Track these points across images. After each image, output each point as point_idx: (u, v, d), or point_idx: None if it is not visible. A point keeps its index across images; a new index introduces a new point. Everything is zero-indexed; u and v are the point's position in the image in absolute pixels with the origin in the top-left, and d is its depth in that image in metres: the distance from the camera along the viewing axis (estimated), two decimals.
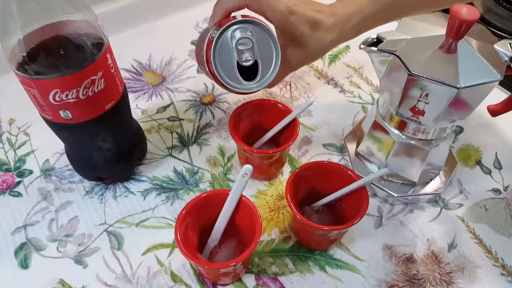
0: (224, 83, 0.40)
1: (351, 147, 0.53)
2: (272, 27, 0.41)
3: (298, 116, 0.47)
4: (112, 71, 0.41)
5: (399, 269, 0.43)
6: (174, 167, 0.52)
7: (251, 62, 0.40)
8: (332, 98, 0.62)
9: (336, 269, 0.43)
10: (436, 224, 0.47)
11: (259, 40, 0.40)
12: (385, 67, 0.40)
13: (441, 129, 0.43)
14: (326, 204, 0.44)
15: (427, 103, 0.38)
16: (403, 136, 0.45)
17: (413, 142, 0.45)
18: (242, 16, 0.40)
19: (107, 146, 0.46)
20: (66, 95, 0.38)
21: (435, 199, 0.49)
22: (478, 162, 0.53)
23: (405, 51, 0.38)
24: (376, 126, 0.47)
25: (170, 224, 0.47)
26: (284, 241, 0.45)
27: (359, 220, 0.38)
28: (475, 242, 0.45)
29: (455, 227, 0.46)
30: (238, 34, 0.39)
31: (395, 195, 0.48)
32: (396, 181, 0.49)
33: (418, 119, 0.40)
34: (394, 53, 0.38)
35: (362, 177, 0.40)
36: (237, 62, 0.39)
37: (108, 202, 0.49)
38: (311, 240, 0.43)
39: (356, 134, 0.54)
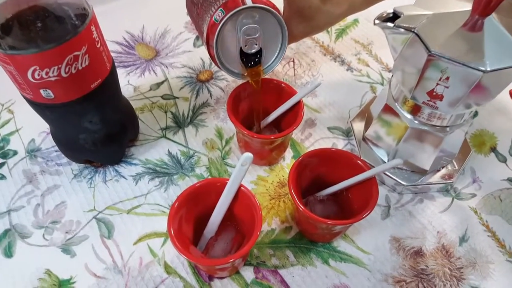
0: (223, 69, 0.37)
1: (358, 131, 0.50)
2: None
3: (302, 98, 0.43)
4: (98, 45, 0.37)
5: (406, 263, 0.41)
6: (168, 149, 0.49)
7: (255, 50, 0.38)
8: (339, 77, 0.58)
9: (339, 262, 0.41)
10: (447, 215, 0.44)
11: (266, 27, 0.37)
12: (402, 46, 0.36)
13: (458, 115, 0.40)
14: (331, 194, 0.41)
15: (447, 87, 0.35)
16: (416, 122, 0.42)
17: (427, 128, 0.42)
18: (253, 1, 0.36)
19: (94, 127, 0.42)
20: (47, 73, 0.34)
21: (447, 188, 0.46)
22: (493, 149, 0.50)
23: (425, 28, 0.34)
24: (387, 109, 0.44)
25: (163, 211, 0.44)
26: (285, 232, 0.43)
27: (367, 214, 0.35)
28: (488, 235, 0.43)
29: (467, 219, 0.44)
30: (245, 21, 0.36)
31: (404, 183, 0.45)
32: (405, 168, 0.46)
33: (435, 104, 0.37)
34: (412, 30, 0.34)
35: (371, 167, 0.38)
36: (241, 48, 0.37)
37: (97, 187, 0.46)
38: (314, 232, 0.40)
39: (364, 117, 0.50)
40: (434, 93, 0.36)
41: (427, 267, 0.41)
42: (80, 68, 0.36)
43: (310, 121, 0.52)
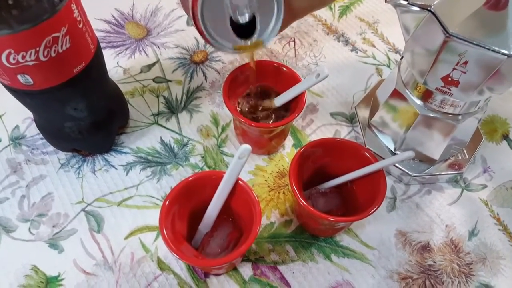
0: (214, 44, 0.33)
1: (363, 117, 0.47)
2: None
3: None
4: (80, 26, 0.34)
5: (413, 259, 0.39)
6: (160, 137, 0.47)
7: (247, 18, 0.32)
8: (342, 58, 0.55)
9: (342, 258, 0.39)
10: (456, 207, 0.42)
11: None
12: (415, 26, 0.33)
13: (472, 102, 0.38)
14: (335, 186, 0.39)
15: (464, 73, 0.32)
16: (427, 108, 0.39)
17: (438, 115, 0.39)
18: None
19: (80, 115, 0.40)
20: (23, 57, 0.31)
21: (456, 179, 0.44)
22: (505, 137, 0.48)
23: (443, 6, 0.31)
24: (396, 94, 0.41)
25: (156, 203, 0.42)
26: (285, 225, 0.41)
27: (374, 211, 0.33)
28: (499, 229, 0.41)
29: (477, 212, 0.42)
30: None
31: (412, 174, 0.43)
32: (413, 158, 0.44)
33: (450, 90, 0.35)
34: (428, 8, 0.31)
35: (379, 158, 0.35)
36: (231, 18, 0.33)
37: (86, 177, 0.44)
38: (316, 227, 0.38)
39: (370, 102, 0.48)
40: (450, 79, 0.33)
41: (435, 262, 0.39)
42: (60, 51, 0.33)
43: (311, 106, 0.50)
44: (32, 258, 0.39)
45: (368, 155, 0.36)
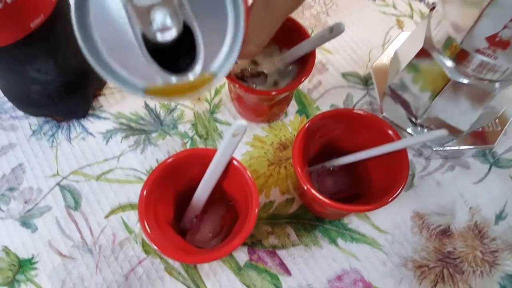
0: (112, 79, 0.18)
1: (381, 78, 0.41)
2: None
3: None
4: None
5: (430, 245, 0.35)
6: (145, 101, 0.41)
7: (174, 34, 0.18)
8: (357, 7, 0.48)
9: (350, 243, 0.35)
10: (483, 187, 0.38)
11: None
12: None
13: None
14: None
15: None
16: (461, 73, 0.33)
17: (472, 81, 0.33)
18: None
19: (46, 77, 0.34)
20: None
21: (484, 153, 0.39)
22: None
23: None
24: (422, 54, 0.35)
25: (140, 178, 0.38)
26: (286, 205, 0.36)
27: (394, 198, 0.28)
28: None
29: (507, 192, 0.38)
30: None
31: (434, 147, 0.38)
32: (434, 128, 0.39)
33: (495, 53, 0.28)
34: None
35: (397, 129, 0.30)
36: (143, 36, 0.18)
37: (61, 146, 0.39)
38: (321, 211, 0.34)
39: (389, 61, 0.41)
40: (498, 39, 0.27)
41: (455, 249, 0.35)
42: (9, 1, 0.26)
43: (320, 65, 0.43)
44: (3, 237, 0.35)
45: (390, 132, 0.30)
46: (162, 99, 0.19)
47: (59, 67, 0.34)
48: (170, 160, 0.28)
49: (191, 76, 0.19)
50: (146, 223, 0.26)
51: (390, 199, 0.28)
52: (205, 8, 0.18)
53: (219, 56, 0.19)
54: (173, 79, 0.19)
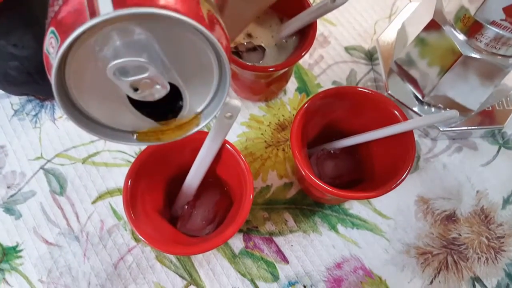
0: (101, 138, 0.19)
1: (387, 53, 0.39)
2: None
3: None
4: None
5: (435, 231, 0.34)
6: None
7: (160, 95, 0.17)
8: None
9: (351, 229, 0.34)
10: (491, 169, 0.36)
11: (175, 50, 0.16)
12: None
13: None
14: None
15: None
16: (473, 47, 0.31)
17: (485, 56, 0.31)
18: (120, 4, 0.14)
19: (24, 52, 0.32)
20: None
21: (493, 133, 0.37)
22: None
23: None
24: (433, 27, 0.32)
25: (129, 161, 0.36)
26: (284, 189, 0.35)
27: (398, 184, 0.26)
28: None
29: None
30: (118, 48, 0.15)
31: (441, 127, 0.36)
32: (442, 107, 0.37)
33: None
34: None
35: (402, 107, 0.28)
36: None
37: (44, 127, 0.37)
38: (321, 197, 0.32)
39: (395, 35, 0.39)
40: None
41: (460, 235, 0.34)
42: None
43: (322, 38, 0.41)
44: None
45: (397, 112, 0.28)
46: (154, 142, 0.20)
47: (37, 41, 0.32)
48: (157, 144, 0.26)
49: (178, 120, 0.20)
50: (132, 215, 0.25)
51: (394, 185, 0.27)
52: (190, 67, 0.17)
53: (206, 99, 0.19)
54: (161, 124, 0.19)
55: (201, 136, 0.27)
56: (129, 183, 0.25)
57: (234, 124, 0.27)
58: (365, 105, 0.29)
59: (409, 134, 0.28)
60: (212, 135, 0.26)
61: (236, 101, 0.24)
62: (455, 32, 0.31)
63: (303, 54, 0.30)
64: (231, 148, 0.27)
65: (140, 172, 0.26)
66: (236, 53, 0.32)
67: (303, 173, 0.27)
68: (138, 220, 0.25)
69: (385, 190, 0.26)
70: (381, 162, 0.30)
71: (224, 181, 0.31)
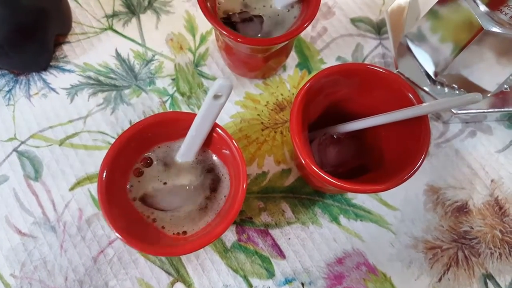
0: None
1: (397, 26, 0.35)
2: None
3: None
4: None
5: (445, 224, 0.31)
6: (116, 49, 0.35)
7: None
8: None
9: (354, 221, 0.31)
10: (507, 156, 0.33)
11: None
12: None
13: None
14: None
15: None
16: (495, 20, 0.27)
17: (508, 31, 0.27)
18: None
19: None
20: None
21: (510, 116, 0.34)
22: None
23: None
24: None
25: (110, 143, 0.32)
26: (281, 177, 0.32)
27: (410, 176, 0.23)
28: None
29: None
30: None
31: (455, 110, 0.32)
32: (457, 87, 0.33)
33: None
34: None
35: (413, 86, 0.25)
36: None
37: (19, 104, 0.34)
38: (322, 186, 0.29)
39: (407, 5, 0.35)
40: None
41: (472, 228, 0.31)
42: None
43: (325, 9, 0.37)
44: None
45: (410, 95, 0.25)
46: None
47: (7, 7, 0.28)
48: (137, 127, 0.23)
49: None
50: (110, 214, 0.21)
51: (407, 177, 0.24)
52: None
53: None
54: None
55: (189, 118, 0.24)
56: (104, 175, 0.22)
57: (227, 103, 0.24)
58: (375, 84, 0.26)
59: (423, 119, 0.25)
60: (200, 117, 0.23)
61: (225, 80, 0.21)
62: (475, 3, 0.28)
63: (305, 25, 0.27)
64: (222, 133, 0.24)
65: (117, 160, 0.23)
66: (230, 23, 0.29)
67: (303, 161, 0.24)
68: (117, 218, 0.22)
69: (396, 182, 0.23)
70: (390, 148, 0.27)
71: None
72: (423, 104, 0.25)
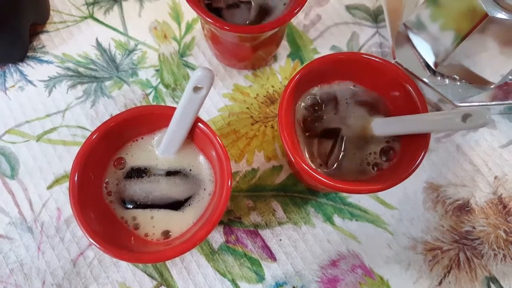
0: None
1: (395, 13, 0.33)
2: None
3: None
4: None
5: (446, 223, 0.29)
6: (96, 38, 0.33)
7: None
8: None
9: (349, 221, 0.29)
10: (511, 151, 0.31)
11: None
12: None
13: None
14: None
15: None
16: (501, 6, 0.26)
17: None
18: None
19: None
20: None
21: None
22: None
23: None
24: None
25: None
26: (272, 173, 0.30)
27: (410, 174, 0.22)
28: None
29: None
30: None
31: (456, 103, 0.30)
32: (458, 78, 0.31)
33: None
34: None
35: (412, 77, 0.23)
36: None
37: None
38: (315, 185, 0.27)
39: None
40: None
41: (474, 228, 0.29)
42: None
43: None
44: None
45: (410, 88, 0.23)
46: None
47: None
48: (109, 124, 0.21)
49: None
50: (83, 219, 0.20)
51: (406, 175, 0.22)
52: None
53: None
54: None
55: (168, 113, 0.22)
56: (75, 178, 0.20)
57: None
58: (372, 77, 0.24)
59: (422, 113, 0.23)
60: (180, 111, 0.21)
61: (205, 70, 0.19)
62: None
63: (296, 11, 0.25)
64: (205, 128, 0.22)
65: (90, 159, 0.21)
66: (215, 9, 0.27)
67: (293, 159, 0.22)
68: (91, 223, 0.20)
69: (394, 182, 0.22)
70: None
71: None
72: (420, 120, 0.23)
